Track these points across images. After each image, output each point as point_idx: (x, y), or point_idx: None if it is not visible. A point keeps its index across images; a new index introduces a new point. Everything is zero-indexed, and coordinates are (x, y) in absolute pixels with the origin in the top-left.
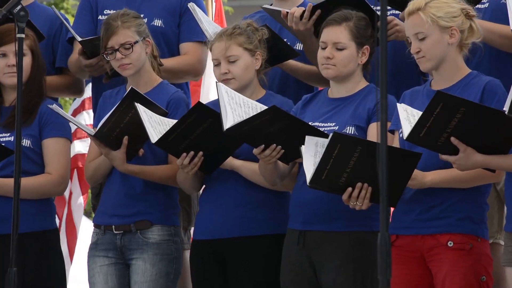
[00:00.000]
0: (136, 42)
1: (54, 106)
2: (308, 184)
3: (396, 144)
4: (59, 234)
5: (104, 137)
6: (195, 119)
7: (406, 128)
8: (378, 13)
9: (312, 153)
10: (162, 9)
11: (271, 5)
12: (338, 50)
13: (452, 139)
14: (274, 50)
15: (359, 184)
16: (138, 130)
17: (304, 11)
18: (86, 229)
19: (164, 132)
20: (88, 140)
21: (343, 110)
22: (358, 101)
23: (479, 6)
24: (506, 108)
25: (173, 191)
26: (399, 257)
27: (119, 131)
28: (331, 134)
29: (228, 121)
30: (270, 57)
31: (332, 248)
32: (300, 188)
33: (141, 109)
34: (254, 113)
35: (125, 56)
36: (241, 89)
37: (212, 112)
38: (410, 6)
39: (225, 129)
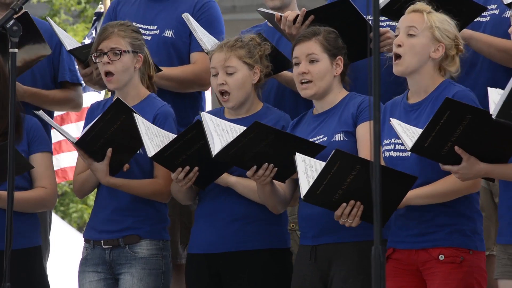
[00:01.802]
0: (126, 51)
1: (41, 113)
2: (302, 198)
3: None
4: (41, 251)
5: (87, 146)
6: (194, 135)
7: (407, 140)
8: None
9: (302, 169)
10: (174, 20)
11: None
12: (312, 64)
13: (456, 148)
14: (271, 61)
15: (352, 202)
16: (124, 143)
17: (297, 15)
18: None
19: (162, 146)
20: None
21: (328, 122)
22: (341, 109)
23: (479, 19)
24: (494, 112)
25: (162, 205)
26: (396, 270)
27: (103, 141)
28: (333, 151)
29: (216, 147)
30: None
31: (341, 258)
32: (304, 204)
33: (139, 120)
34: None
35: (111, 62)
36: (239, 104)
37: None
38: (417, 5)
39: (213, 156)
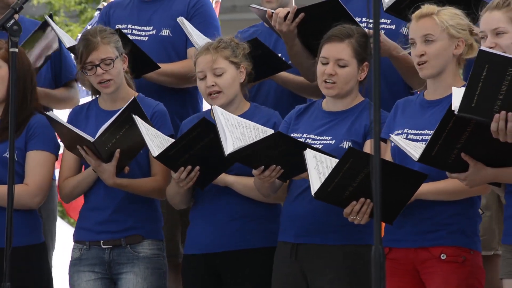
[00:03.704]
0: (117, 57)
1: (51, 113)
2: (313, 195)
3: (388, 153)
4: (46, 249)
5: (101, 146)
6: (198, 134)
7: (412, 151)
8: (367, 25)
9: (314, 165)
10: (170, 18)
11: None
12: (340, 67)
13: (463, 154)
14: (265, 63)
15: (362, 199)
16: (129, 146)
17: (288, 13)
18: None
19: (162, 146)
20: None
21: (339, 125)
22: (354, 116)
23: None
24: (455, 109)
25: (158, 205)
26: (392, 270)
27: (114, 142)
28: (346, 149)
29: (229, 146)
30: (262, 69)
31: (325, 261)
32: (292, 201)
33: (139, 121)
34: (250, 133)
35: (105, 72)
36: (228, 103)
37: (215, 127)
38: (423, 10)
39: (226, 155)
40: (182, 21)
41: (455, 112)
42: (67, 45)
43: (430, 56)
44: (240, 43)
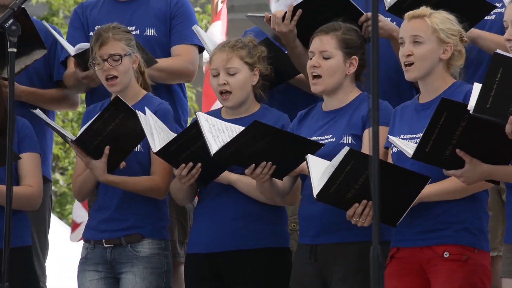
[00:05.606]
0: (126, 55)
1: (38, 111)
2: (314, 196)
3: (389, 160)
4: (32, 252)
5: (85, 144)
6: (198, 130)
7: (407, 149)
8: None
9: (314, 169)
10: (152, 18)
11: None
12: (325, 59)
13: (457, 150)
14: (278, 65)
15: (364, 201)
16: (121, 141)
17: (286, 13)
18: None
19: (166, 141)
20: None
21: (338, 122)
22: (352, 110)
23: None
24: (470, 108)
25: (163, 204)
26: (399, 269)
27: (101, 139)
28: (346, 150)
29: (213, 147)
30: (277, 74)
31: (341, 258)
32: (305, 203)
33: (142, 117)
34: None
35: (112, 67)
36: (238, 104)
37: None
38: (416, 11)
39: (212, 155)
40: (197, 29)
41: (470, 112)
42: (73, 53)
43: (417, 57)
44: (259, 45)
